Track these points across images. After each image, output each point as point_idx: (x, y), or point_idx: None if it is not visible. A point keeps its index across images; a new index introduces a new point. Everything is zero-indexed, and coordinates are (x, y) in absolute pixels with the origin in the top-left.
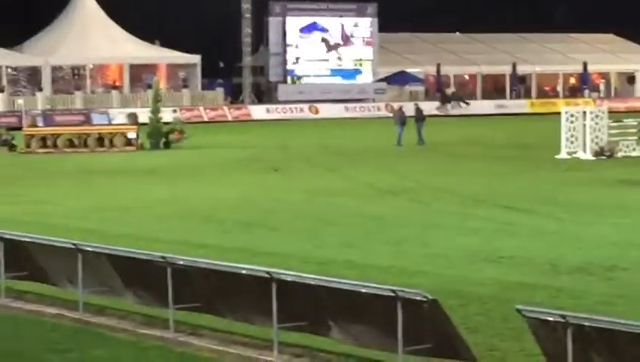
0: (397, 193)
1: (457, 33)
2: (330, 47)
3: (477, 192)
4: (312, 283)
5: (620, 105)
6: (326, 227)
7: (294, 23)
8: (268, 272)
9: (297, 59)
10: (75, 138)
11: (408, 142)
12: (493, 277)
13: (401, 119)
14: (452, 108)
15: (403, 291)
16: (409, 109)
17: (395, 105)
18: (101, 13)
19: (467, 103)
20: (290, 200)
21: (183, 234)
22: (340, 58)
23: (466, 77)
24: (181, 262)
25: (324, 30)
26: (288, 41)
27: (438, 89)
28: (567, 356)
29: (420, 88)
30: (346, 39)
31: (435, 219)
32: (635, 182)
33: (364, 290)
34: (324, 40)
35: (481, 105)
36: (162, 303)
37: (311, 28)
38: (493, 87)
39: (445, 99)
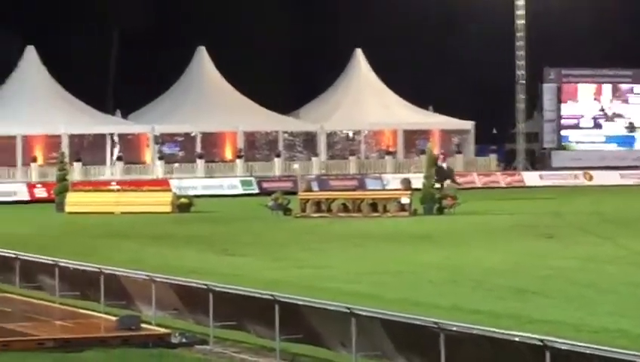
0: None
1: None
2: (605, 114)
3: None
4: (587, 352)
5: None
6: (599, 295)
7: (569, 89)
8: (541, 340)
9: (571, 125)
10: (348, 203)
11: None
12: None
13: None
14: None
15: None
16: None
17: None
18: (376, 80)
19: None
20: (563, 268)
21: (455, 299)
22: (615, 125)
23: None
24: (454, 328)
25: (599, 96)
26: (563, 108)
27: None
28: None
29: None
30: (622, 105)
31: None
32: None
33: None
34: (600, 107)
35: None
36: None
37: (586, 93)
38: None
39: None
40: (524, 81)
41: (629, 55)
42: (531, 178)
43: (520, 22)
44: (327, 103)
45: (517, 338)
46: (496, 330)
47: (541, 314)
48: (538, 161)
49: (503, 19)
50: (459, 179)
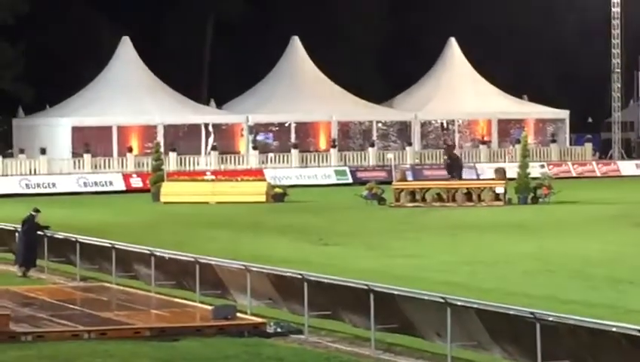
0: None
1: None
2: None
3: None
4: None
5: None
6: None
7: None
8: (639, 331)
9: None
10: (443, 192)
11: None
12: None
13: None
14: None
15: None
16: None
17: None
18: (469, 69)
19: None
20: None
21: (550, 289)
22: None
23: None
24: (550, 318)
25: None
26: None
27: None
28: None
29: None
30: None
31: None
32: None
33: None
34: None
35: None
36: (531, 359)
37: None
38: None
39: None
40: (619, 70)
41: None
42: (627, 167)
43: (616, 10)
44: (421, 92)
45: (614, 329)
46: (593, 320)
47: (638, 305)
48: (634, 150)
49: (599, 7)
50: (553, 169)
